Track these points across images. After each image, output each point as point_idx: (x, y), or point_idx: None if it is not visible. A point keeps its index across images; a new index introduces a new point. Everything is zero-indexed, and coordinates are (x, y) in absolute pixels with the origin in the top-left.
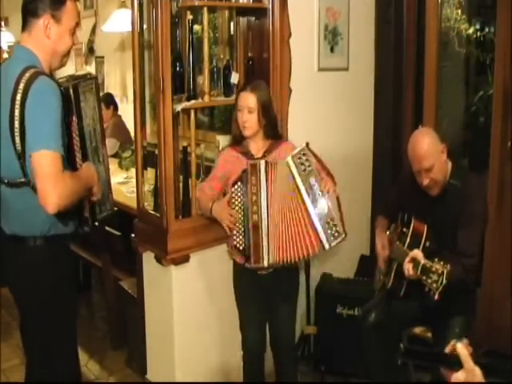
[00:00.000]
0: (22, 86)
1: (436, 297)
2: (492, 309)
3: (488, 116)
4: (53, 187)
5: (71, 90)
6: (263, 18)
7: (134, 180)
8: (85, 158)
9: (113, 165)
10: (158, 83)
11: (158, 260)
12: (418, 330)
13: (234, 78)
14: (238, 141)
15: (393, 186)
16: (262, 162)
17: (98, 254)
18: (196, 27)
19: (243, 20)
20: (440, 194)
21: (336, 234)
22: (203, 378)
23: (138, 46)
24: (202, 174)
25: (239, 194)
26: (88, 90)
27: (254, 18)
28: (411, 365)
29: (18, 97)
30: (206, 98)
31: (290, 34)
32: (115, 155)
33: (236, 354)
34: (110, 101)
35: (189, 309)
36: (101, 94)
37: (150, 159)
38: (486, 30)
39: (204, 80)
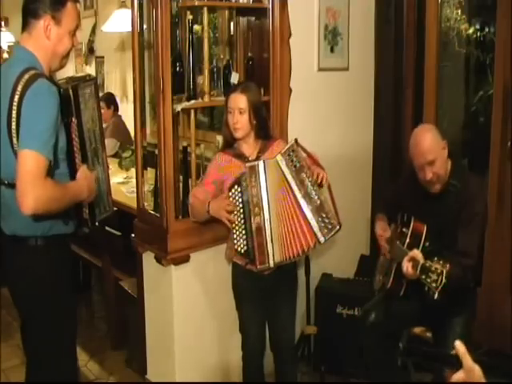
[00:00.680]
0: (20, 87)
1: (435, 296)
2: (492, 308)
3: (488, 116)
4: (31, 188)
5: (71, 92)
6: (263, 17)
7: (133, 180)
8: (84, 160)
9: (113, 165)
10: (158, 83)
11: (158, 260)
12: (417, 329)
13: (234, 77)
14: (230, 144)
15: (391, 184)
16: (261, 163)
17: (98, 254)
18: (196, 27)
19: (243, 20)
20: (440, 193)
21: (330, 227)
22: (203, 378)
23: (138, 46)
24: (201, 174)
25: (237, 197)
26: (87, 91)
27: (253, 18)
28: (411, 365)
29: (16, 98)
30: (206, 98)
31: (290, 34)
32: (115, 155)
33: (236, 354)
34: (110, 101)
35: (189, 309)
36: (102, 93)
37: (150, 159)
38: (486, 30)
39: (204, 80)
